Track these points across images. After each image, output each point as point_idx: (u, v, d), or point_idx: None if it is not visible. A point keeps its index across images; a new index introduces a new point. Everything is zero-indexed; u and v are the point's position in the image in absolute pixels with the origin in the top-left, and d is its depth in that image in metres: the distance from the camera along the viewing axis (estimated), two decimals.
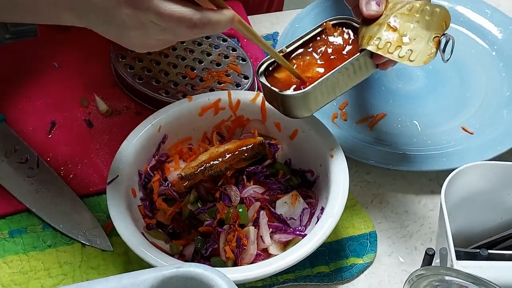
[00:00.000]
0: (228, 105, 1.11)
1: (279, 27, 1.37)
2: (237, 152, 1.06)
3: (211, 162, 1.04)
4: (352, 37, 1.05)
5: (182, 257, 1.01)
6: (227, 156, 1.05)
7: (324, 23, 1.06)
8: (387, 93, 1.26)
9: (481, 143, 1.17)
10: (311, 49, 1.05)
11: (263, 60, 1.03)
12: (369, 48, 0.99)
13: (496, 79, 1.28)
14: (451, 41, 0.98)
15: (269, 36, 1.35)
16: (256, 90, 1.23)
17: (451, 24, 1.33)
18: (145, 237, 0.98)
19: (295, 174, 1.08)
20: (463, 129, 1.20)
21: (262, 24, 1.38)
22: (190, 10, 0.84)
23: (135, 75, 1.21)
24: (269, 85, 1.00)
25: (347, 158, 1.04)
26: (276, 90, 0.99)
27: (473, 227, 1.01)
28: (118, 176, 1.01)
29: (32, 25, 1.53)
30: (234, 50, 1.27)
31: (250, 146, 1.06)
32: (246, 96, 1.11)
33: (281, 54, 1.03)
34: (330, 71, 1.00)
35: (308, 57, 1.04)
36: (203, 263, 0.99)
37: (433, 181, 1.15)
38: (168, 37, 0.88)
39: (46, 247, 1.06)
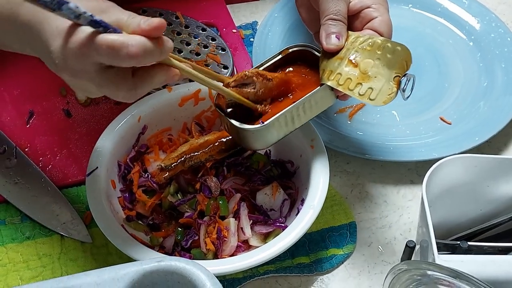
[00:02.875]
0: (208, 96, 1.10)
1: (258, 16, 1.37)
2: (217, 143, 1.06)
3: (191, 153, 1.04)
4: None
5: (162, 248, 1.01)
6: (207, 147, 1.05)
7: (283, 51, 1.04)
8: None
9: (459, 134, 1.18)
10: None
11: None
12: (329, 83, 0.97)
13: (473, 70, 1.28)
14: (411, 80, 0.96)
15: (248, 25, 1.35)
16: None
17: (429, 15, 1.36)
18: (125, 229, 0.98)
19: (275, 165, 1.08)
20: (441, 119, 1.21)
21: (242, 13, 1.38)
22: (126, 86, 0.84)
23: None
24: (227, 119, 0.98)
25: (326, 149, 1.04)
26: (235, 123, 0.97)
27: (453, 219, 1.02)
28: (97, 167, 1.01)
29: None
30: (213, 39, 1.26)
31: (230, 137, 1.06)
32: None
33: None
34: (289, 104, 0.98)
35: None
36: (183, 255, 0.99)
37: (412, 171, 1.16)
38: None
39: (25, 239, 1.05)
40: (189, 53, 1.23)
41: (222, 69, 1.22)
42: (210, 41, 1.26)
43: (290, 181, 1.08)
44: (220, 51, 1.25)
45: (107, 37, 0.80)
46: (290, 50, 1.04)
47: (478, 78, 1.27)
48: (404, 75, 0.96)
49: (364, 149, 1.15)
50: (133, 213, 1.04)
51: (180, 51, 1.23)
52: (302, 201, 1.02)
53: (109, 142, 1.04)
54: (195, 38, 1.26)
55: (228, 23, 1.33)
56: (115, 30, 0.81)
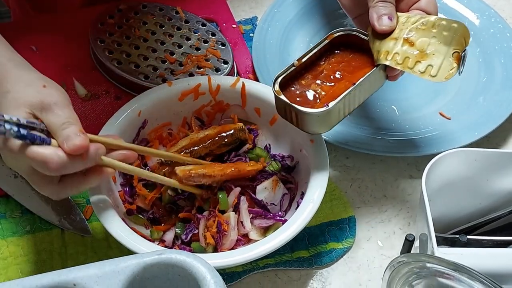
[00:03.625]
0: (208, 90, 1.11)
1: (258, 11, 1.37)
2: (217, 138, 1.06)
3: (191, 148, 1.05)
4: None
5: (163, 242, 1.02)
6: (207, 141, 1.05)
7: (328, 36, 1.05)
8: None
9: (459, 129, 1.18)
10: (323, 62, 1.04)
11: (280, 72, 1.00)
12: (387, 63, 0.98)
13: (473, 65, 1.28)
14: (466, 55, 0.98)
15: (248, 21, 1.35)
16: (235, 75, 1.23)
17: None
18: (125, 222, 0.98)
19: (275, 160, 1.09)
20: (441, 114, 1.21)
21: (241, 8, 1.38)
22: (50, 190, 0.89)
23: (114, 59, 1.20)
24: (287, 101, 0.98)
25: (326, 143, 1.05)
26: (297, 106, 0.97)
27: (452, 213, 1.02)
28: None
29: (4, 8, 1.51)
30: (213, 34, 1.27)
31: (230, 131, 1.06)
32: (226, 81, 1.11)
33: (293, 67, 1.01)
34: (348, 87, 0.99)
35: (321, 71, 1.03)
36: (183, 249, 0.99)
37: (411, 165, 1.16)
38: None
39: (26, 232, 1.06)
40: (189, 48, 1.23)
41: (222, 64, 1.22)
42: (210, 36, 1.26)
43: (290, 175, 1.08)
44: (220, 46, 1.25)
45: (32, 150, 0.84)
46: (336, 35, 1.04)
47: (478, 73, 1.27)
48: (464, 51, 0.97)
49: (364, 143, 1.15)
50: (133, 207, 1.04)
51: (180, 46, 1.23)
52: (302, 195, 1.02)
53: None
54: (195, 33, 1.26)
55: (228, 18, 1.33)
56: (42, 141, 0.85)
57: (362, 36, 1.03)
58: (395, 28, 1.00)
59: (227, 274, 1.02)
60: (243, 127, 1.08)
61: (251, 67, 1.25)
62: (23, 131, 0.84)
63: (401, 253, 0.97)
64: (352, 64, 1.04)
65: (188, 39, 1.25)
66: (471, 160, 0.97)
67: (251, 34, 1.32)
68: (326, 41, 1.04)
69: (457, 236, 0.95)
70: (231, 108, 1.12)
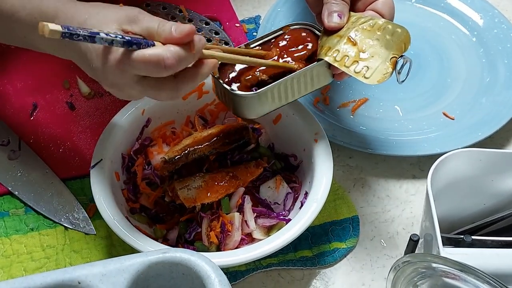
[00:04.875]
0: (212, 89, 1.10)
1: (261, 10, 1.37)
2: (220, 136, 1.06)
3: (195, 146, 1.04)
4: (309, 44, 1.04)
5: (166, 241, 1.01)
6: (211, 140, 1.05)
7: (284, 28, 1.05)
8: None
9: (462, 129, 1.18)
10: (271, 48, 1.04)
11: None
12: (326, 59, 0.98)
13: (476, 65, 1.28)
14: (408, 63, 0.97)
15: (252, 20, 1.35)
16: None
17: (432, 10, 1.36)
18: (129, 221, 0.98)
19: (278, 159, 1.09)
20: (444, 114, 1.21)
21: (244, 7, 1.38)
22: (166, 93, 0.88)
23: None
24: (222, 83, 0.98)
25: (330, 143, 1.04)
26: (228, 88, 0.97)
27: (456, 213, 1.02)
28: (101, 159, 1.01)
29: None
30: (216, 33, 1.27)
31: (233, 130, 1.06)
32: None
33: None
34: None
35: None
36: (187, 247, 0.99)
37: (414, 165, 1.16)
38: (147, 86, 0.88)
39: (29, 230, 1.06)
40: None
41: None
42: (214, 35, 1.26)
43: (294, 174, 1.08)
44: (223, 45, 1.25)
45: (142, 54, 0.83)
46: (291, 28, 1.04)
47: (481, 73, 1.27)
48: (401, 57, 0.96)
49: (367, 143, 1.15)
50: (137, 205, 1.04)
51: None
52: (306, 194, 1.02)
53: (113, 135, 1.04)
54: (198, 31, 1.26)
55: (231, 17, 1.33)
56: (147, 44, 0.84)
57: (317, 32, 1.04)
58: (343, 26, 1.00)
59: (230, 273, 1.02)
60: (247, 126, 1.07)
61: None
62: (127, 38, 0.83)
63: (405, 253, 0.96)
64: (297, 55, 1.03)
65: None
66: (475, 160, 0.97)
67: (254, 33, 1.32)
68: (280, 32, 1.04)
69: (462, 236, 0.95)
70: None
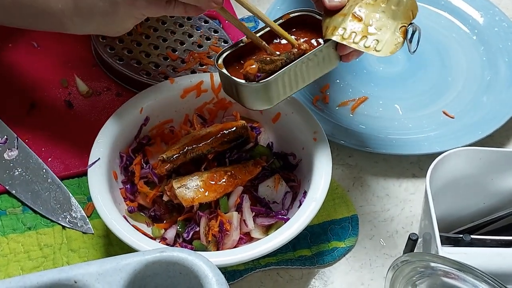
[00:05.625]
0: (211, 88, 1.10)
1: (261, 8, 1.34)
2: (219, 135, 1.05)
3: (193, 145, 1.04)
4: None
5: (164, 240, 1.01)
6: (209, 139, 1.05)
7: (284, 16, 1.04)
8: (368, 76, 1.26)
9: (462, 128, 1.18)
10: (277, 42, 1.03)
11: (226, 47, 1.00)
12: (333, 38, 0.96)
13: (476, 64, 1.28)
14: (417, 31, 0.96)
15: (251, 18, 1.34)
16: None
17: (433, 8, 1.35)
18: (127, 220, 0.98)
19: (277, 157, 1.08)
20: (444, 113, 1.21)
21: None
22: None
23: (116, 56, 1.20)
24: (228, 74, 0.96)
25: (329, 142, 1.04)
26: (235, 79, 0.95)
27: (456, 212, 1.02)
28: (99, 158, 1.01)
29: None
30: (215, 31, 1.26)
31: (232, 129, 1.06)
32: None
33: (242, 44, 1.00)
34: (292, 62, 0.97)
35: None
36: (185, 247, 0.99)
37: (414, 164, 1.16)
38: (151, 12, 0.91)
39: (26, 229, 1.05)
40: (191, 45, 1.23)
41: None
42: (213, 33, 1.26)
43: (293, 173, 1.08)
44: (222, 43, 1.25)
45: None
46: (291, 15, 1.03)
47: (482, 72, 1.27)
48: (410, 24, 0.95)
49: (367, 142, 1.15)
50: (134, 205, 1.03)
51: (182, 43, 1.23)
52: (304, 193, 1.02)
53: (111, 134, 1.04)
54: (197, 30, 1.26)
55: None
56: None
57: (318, 17, 1.02)
58: (345, 4, 0.99)
59: (229, 272, 1.01)
60: (245, 124, 1.07)
61: None
62: None
63: (404, 252, 0.96)
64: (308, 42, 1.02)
65: (190, 36, 1.25)
66: (475, 159, 0.97)
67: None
68: (281, 21, 1.03)
69: (461, 235, 0.95)
70: (233, 106, 1.12)
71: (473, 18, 1.33)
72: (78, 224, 1.05)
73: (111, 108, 1.07)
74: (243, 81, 0.95)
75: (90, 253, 1.03)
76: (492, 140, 1.18)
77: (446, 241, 0.96)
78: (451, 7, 1.35)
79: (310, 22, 1.03)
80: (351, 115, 1.20)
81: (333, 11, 0.99)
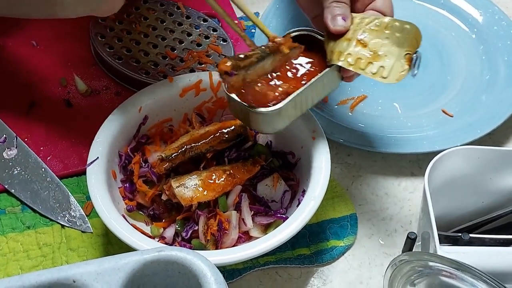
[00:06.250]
0: (209, 86, 1.10)
1: (260, 7, 1.36)
2: (218, 134, 1.05)
3: (192, 144, 1.04)
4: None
5: (163, 239, 1.01)
6: (208, 138, 1.05)
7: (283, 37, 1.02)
8: None
9: (461, 126, 1.18)
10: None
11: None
12: (340, 64, 0.97)
13: (476, 62, 1.28)
14: (419, 57, 0.97)
15: None
16: None
17: (432, 7, 1.35)
18: (125, 219, 0.98)
19: (276, 156, 1.08)
20: (443, 112, 1.21)
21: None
22: None
23: (115, 54, 1.20)
24: (239, 101, 0.96)
25: (328, 140, 1.04)
26: (247, 106, 0.95)
27: (454, 211, 1.02)
28: (98, 157, 1.01)
29: None
30: (214, 30, 1.26)
31: (231, 128, 1.06)
32: None
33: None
34: (299, 87, 0.97)
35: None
36: (183, 246, 0.99)
37: (413, 163, 1.16)
38: None
39: (25, 228, 1.05)
40: (190, 43, 1.23)
41: None
42: (212, 32, 1.26)
43: (291, 172, 1.08)
44: (221, 42, 1.25)
45: None
46: (293, 35, 1.03)
47: (481, 71, 1.27)
48: (415, 53, 0.96)
49: (366, 141, 1.15)
50: (133, 204, 1.03)
51: (181, 42, 1.23)
52: (303, 192, 1.02)
53: (110, 133, 1.04)
54: (196, 28, 1.26)
55: (229, 14, 1.32)
56: None
57: (319, 37, 1.02)
58: (349, 29, 0.99)
59: (228, 271, 1.01)
60: None
61: None
62: None
63: (403, 251, 0.96)
64: (306, 63, 1.02)
65: (189, 34, 1.25)
66: (474, 158, 0.97)
67: (253, 30, 1.31)
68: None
69: (459, 234, 0.95)
70: None
71: (472, 16, 1.33)
72: (77, 223, 1.05)
73: (110, 107, 1.07)
74: (256, 108, 0.95)
75: (89, 252, 1.03)
76: (491, 139, 1.18)
77: (445, 240, 0.96)
78: (450, 5, 1.35)
79: (310, 40, 1.03)
80: (350, 113, 1.20)
81: (337, 35, 1.00)
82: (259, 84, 0.98)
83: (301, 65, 1.01)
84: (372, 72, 0.96)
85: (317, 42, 1.02)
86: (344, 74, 1.01)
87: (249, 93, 0.97)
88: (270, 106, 0.95)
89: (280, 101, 0.96)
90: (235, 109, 0.99)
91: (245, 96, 0.97)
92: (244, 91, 0.97)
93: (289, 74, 1.00)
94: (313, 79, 0.98)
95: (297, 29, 1.03)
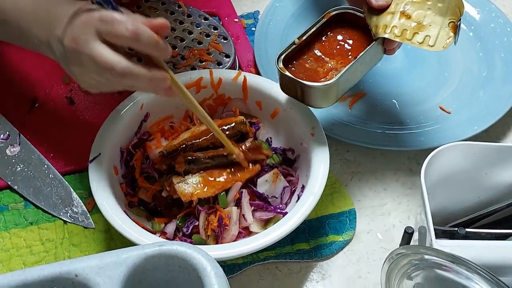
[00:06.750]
0: (210, 84, 1.11)
1: (260, 5, 1.37)
2: None
3: (193, 141, 1.05)
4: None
5: (164, 234, 1.02)
6: (209, 134, 1.06)
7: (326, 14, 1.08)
8: None
9: (458, 123, 1.19)
10: (323, 39, 1.07)
11: (282, 50, 1.03)
12: (387, 36, 1.01)
13: (473, 60, 1.29)
14: (460, 25, 1.02)
15: (250, 15, 1.36)
16: (237, 68, 1.24)
17: None
18: (127, 214, 0.99)
19: (276, 153, 1.09)
20: (441, 108, 1.21)
21: (243, 2, 1.38)
22: (118, 58, 0.87)
23: None
24: (292, 76, 1.01)
25: (327, 137, 1.05)
26: (302, 81, 1.00)
27: (451, 206, 1.02)
28: (100, 154, 1.02)
29: None
30: (215, 28, 1.27)
31: (231, 124, 1.07)
32: (228, 75, 1.12)
33: (294, 46, 1.04)
34: (346, 62, 1.03)
35: (320, 48, 1.06)
36: (184, 241, 1.00)
37: (411, 159, 1.17)
38: (103, 80, 0.90)
39: (28, 224, 1.06)
40: (191, 41, 1.24)
41: (224, 58, 1.22)
42: (212, 30, 1.27)
43: (291, 168, 1.09)
44: (222, 40, 1.25)
45: (112, 13, 0.87)
46: (333, 13, 1.07)
47: (478, 67, 1.28)
48: (459, 20, 1.01)
49: (364, 137, 1.16)
50: (135, 199, 1.05)
51: (182, 40, 1.24)
52: (303, 188, 1.03)
53: (112, 129, 1.05)
54: (197, 27, 1.27)
55: (230, 12, 1.34)
56: (115, 9, 0.88)
57: (358, 14, 1.07)
58: (391, 3, 1.03)
59: (228, 266, 1.03)
60: (244, 120, 1.08)
61: (252, 61, 1.26)
62: None
63: (400, 245, 0.97)
64: (349, 40, 1.07)
65: (190, 33, 1.26)
66: (469, 153, 0.98)
67: (253, 28, 1.32)
68: (324, 20, 1.07)
69: (456, 229, 0.96)
70: (232, 102, 1.13)
71: (469, 14, 1.34)
72: (79, 219, 1.07)
73: (113, 105, 1.08)
74: (310, 83, 1.00)
75: (91, 247, 1.04)
76: (488, 134, 1.19)
77: (442, 234, 0.97)
78: None
79: (349, 18, 1.07)
80: (349, 110, 1.21)
81: (379, 10, 1.04)
82: (308, 61, 1.04)
83: (344, 41, 1.06)
84: (419, 42, 1.01)
85: (354, 19, 1.07)
86: (388, 47, 1.05)
87: (299, 71, 1.03)
88: (323, 81, 1.00)
89: (331, 77, 1.01)
90: (288, 86, 1.04)
91: (297, 74, 1.02)
92: (295, 69, 1.03)
93: (334, 51, 1.05)
94: (361, 53, 1.02)
95: (337, 7, 1.08)
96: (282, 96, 1.08)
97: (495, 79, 1.25)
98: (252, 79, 1.12)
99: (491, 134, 1.20)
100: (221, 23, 1.31)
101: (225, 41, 1.26)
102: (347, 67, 1.00)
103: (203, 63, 1.21)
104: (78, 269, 0.79)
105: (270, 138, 1.12)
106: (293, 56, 1.04)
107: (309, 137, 1.05)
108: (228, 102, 1.13)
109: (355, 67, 1.02)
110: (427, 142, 1.15)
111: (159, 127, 1.11)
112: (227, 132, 1.06)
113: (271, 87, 1.10)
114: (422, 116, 1.20)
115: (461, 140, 1.12)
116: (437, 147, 0.98)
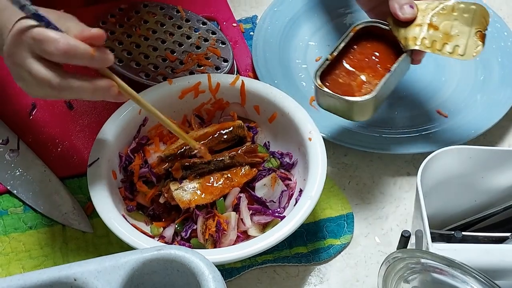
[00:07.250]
0: (208, 88, 1.12)
1: (258, 10, 1.37)
2: (216, 135, 1.07)
3: None
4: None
5: (162, 238, 1.03)
6: (207, 139, 1.06)
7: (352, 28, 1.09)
8: None
9: (456, 126, 1.19)
10: (352, 55, 1.09)
11: (318, 67, 1.05)
12: (417, 47, 1.04)
13: (470, 63, 1.29)
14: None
15: (248, 19, 1.36)
16: (235, 73, 1.24)
17: None
18: (125, 219, 0.99)
19: (274, 157, 1.10)
20: (438, 112, 1.22)
21: (242, 7, 1.39)
22: (53, 75, 0.89)
23: (116, 57, 1.20)
24: (332, 93, 1.02)
25: (325, 141, 1.06)
26: (343, 97, 1.02)
27: (448, 210, 1.03)
28: (98, 158, 1.02)
29: None
30: (213, 33, 1.28)
31: (229, 129, 1.08)
32: (226, 80, 1.12)
33: (328, 62, 1.05)
34: (380, 73, 1.05)
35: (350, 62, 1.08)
36: (183, 245, 1.00)
37: (409, 163, 1.17)
38: (48, 93, 0.91)
39: (27, 228, 1.07)
40: (189, 46, 1.24)
41: (222, 62, 1.23)
42: (211, 35, 1.27)
43: (289, 172, 1.09)
44: (220, 45, 1.26)
45: (44, 30, 0.88)
46: (359, 27, 1.09)
47: (475, 71, 1.28)
48: (485, 29, 1.04)
49: (362, 141, 1.16)
50: (133, 204, 1.05)
51: (181, 45, 1.24)
52: (300, 192, 1.03)
53: (111, 134, 1.06)
54: (195, 31, 1.27)
55: (228, 17, 1.34)
56: (55, 28, 0.88)
57: (383, 26, 1.08)
58: (417, 15, 1.05)
59: (226, 270, 1.03)
60: (242, 124, 1.09)
61: (251, 65, 1.26)
62: (40, 12, 0.88)
63: (397, 249, 0.97)
64: (376, 52, 1.09)
65: (188, 37, 1.26)
66: (465, 157, 0.98)
67: (251, 33, 1.33)
68: (351, 34, 1.08)
69: (453, 232, 0.96)
70: (230, 106, 1.14)
71: None
72: (78, 224, 1.07)
73: (111, 109, 1.09)
74: (351, 98, 1.02)
75: (90, 252, 1.05)
76: (485, 138, 1.20)
77: (439, 238, 0.97)
78: None
79: (372, 31, 1.09)
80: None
81: (406, 23, 1.06)
82: (341, 76, 1.06)
83: (372, 54, 1.08)
84: (449, 52, 1.04)
85: (379, 32, 1.09)
86: (416, 57, 1.07)
87: (335, 86, 1.05)
88: (362, 95, 1.03)
89: (367, 91, 1.03)
90: (328, 103, 1.05)
91: (332, 89, 1.04)
92: (329, 84, 1.05)
93: (364, 64, 1.07)
94: (394, 65, 1.04)
95: (363, 21, 1.10)
96: (279, 101, 1.09)
97: (492, 83, 1.25)
98: (250, 83, 1.12)
99: (488, 137, 1.20)
100: (219, 27, 1.32)
101: (223, 46, 1.26)
102: (383, 80, 1.03)
103: (202, 68, 1.22)
104: (76, 273, 0.79)
105: (268, 142, 1.13)
106: (324, 72, 1.05)
107: (306, 141, 1.06)
108: (226, 106, 1.13)
109: (389, 79, 1.04)
110: (424, 145, 1.16)
111: (157, 131, 1.11)
112: (225, 136, 1.07)
113: (269, 92, 1.10)
114: (420, 119, 1.21)
115: (458, 144, 1.12)
116: (434, 151, 0.98)
